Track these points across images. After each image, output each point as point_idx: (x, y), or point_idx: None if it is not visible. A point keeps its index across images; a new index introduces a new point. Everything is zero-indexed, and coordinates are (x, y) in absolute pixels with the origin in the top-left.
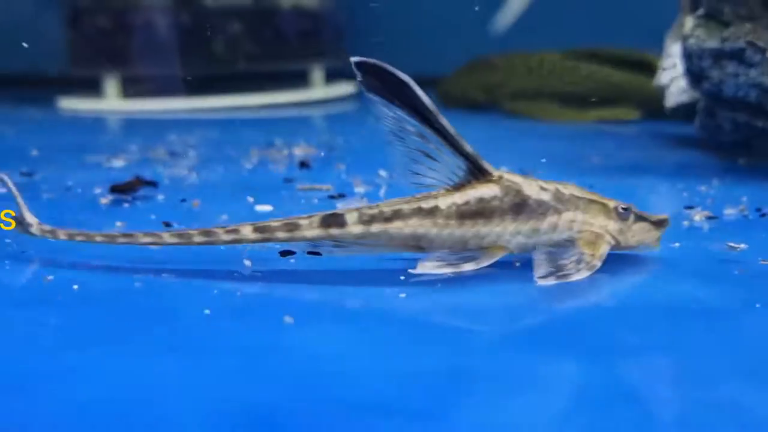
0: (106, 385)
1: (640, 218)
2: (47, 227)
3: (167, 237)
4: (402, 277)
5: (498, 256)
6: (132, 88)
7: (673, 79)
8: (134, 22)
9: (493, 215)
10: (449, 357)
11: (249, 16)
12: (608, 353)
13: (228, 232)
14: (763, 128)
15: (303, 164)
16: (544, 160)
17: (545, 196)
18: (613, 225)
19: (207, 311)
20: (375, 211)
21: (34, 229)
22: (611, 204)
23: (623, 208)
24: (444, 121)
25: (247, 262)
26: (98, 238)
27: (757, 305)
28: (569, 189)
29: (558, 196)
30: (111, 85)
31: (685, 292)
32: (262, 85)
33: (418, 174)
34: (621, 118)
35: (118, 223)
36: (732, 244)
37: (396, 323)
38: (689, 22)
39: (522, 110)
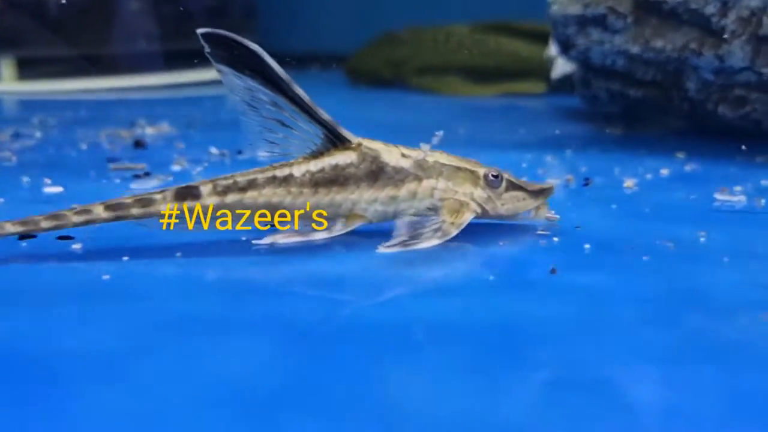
0: None
1: (514, 186)
2: None
3: (9, 226)
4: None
5: (354, 225)
6: (28, 70)
7: None
8: (28, 1)
9: (348, 182)
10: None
11: None
12: None
13: (78, 213)
14: (636, 98)
15: (138, 144)
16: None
17: (405, 164)
18: (479, 193)
19: None
20: (230, 181)
21: None
22: (481, 171)
23: (494, 176)
24: (298, 89)
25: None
26: None
27: (491, 278)
28: (435, 156)
29: (420, 163)
30: (6, 67)
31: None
32: (165, 65)
33: (274, 143)
34: (526, 92)
35: None
36: None
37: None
38: None
39: (428, 85)
